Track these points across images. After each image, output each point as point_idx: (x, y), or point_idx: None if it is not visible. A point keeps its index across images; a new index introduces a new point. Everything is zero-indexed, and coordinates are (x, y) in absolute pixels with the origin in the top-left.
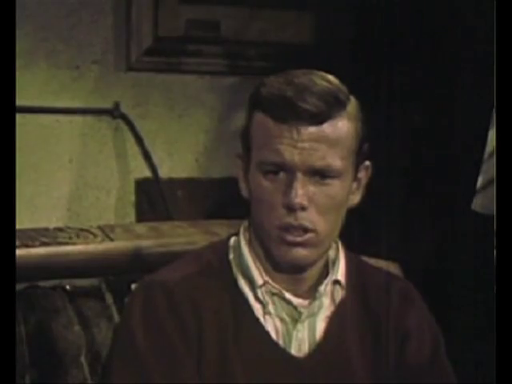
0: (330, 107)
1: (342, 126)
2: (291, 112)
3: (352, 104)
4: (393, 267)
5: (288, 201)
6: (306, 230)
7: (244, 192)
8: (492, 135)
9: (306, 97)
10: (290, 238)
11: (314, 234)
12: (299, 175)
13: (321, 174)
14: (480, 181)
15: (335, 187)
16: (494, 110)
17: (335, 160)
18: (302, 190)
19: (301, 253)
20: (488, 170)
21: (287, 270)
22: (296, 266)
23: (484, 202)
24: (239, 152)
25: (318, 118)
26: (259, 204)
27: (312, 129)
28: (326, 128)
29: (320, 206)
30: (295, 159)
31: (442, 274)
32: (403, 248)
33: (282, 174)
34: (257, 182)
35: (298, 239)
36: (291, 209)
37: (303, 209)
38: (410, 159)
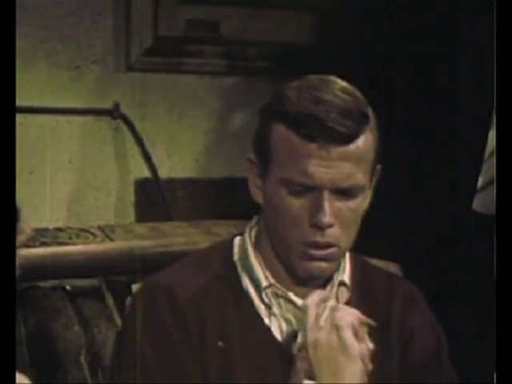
0: (359, 125)
1: (366, 140)
2: (321, 132)
3: (372, 114)
4: (393, 267)
5: (317, 221)
6: (330, 246)
7: (256, 197)
8: (492, 135)
9: (336, 117)
10: (314, 253)
11: (336, 248)
12: (326, 194)
13: (347, 192)
14: (480, 181)
15: (358, 200)
16: (494, 111)
17: (361, 176)
18: (329, 209)
19: (322, 266)
20: (488, 169)
21: (305, 282)
22: (316, 278)
23: (484, 201)
24: (250, 156)
25: (348, 138)
26: (281, 218)
27: (341, 148)
28: (354, 146)
29: (344, 221)
30: (324, 180)
31: (442, 274)
32: (403, 248)
33: (308, 193)
34: (280, 196)
35: (323, 254)
36: (319, 227)
37: (330, 226)
38: (411, 159)
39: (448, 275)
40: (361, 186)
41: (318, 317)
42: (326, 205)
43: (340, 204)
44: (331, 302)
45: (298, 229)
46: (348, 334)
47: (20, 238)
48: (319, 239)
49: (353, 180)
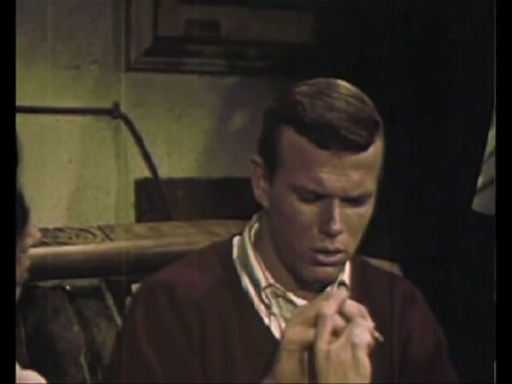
0: (371, 134)
1: (377, 148)
2: (335, 140)
3: (380, 120)
4: (393, 267)
5: (327, 228)
6: (338, 252)
7: (260, 199)
8: (492, 135)
9: (350, 125)
10: (323, 259)
11: (344, 254)
12: (337, 202)
13: (356, 199)
14: (480, 181)
15: (366, 207)
16: (494, 110)
17: (370, 184)
18: (339, 216)
19: (328, 271)
20: (488, 169)
21: (308, 285)
22: (321, 282)
23: (484, 201)
24: (254, 158)
25: (362, 147)
26: (289, 223)
27: (353, 157)
28: (366, 154)
29: (352, 227)
30: (335, 188)
31: (442, 274)
32: (404, 248)
33: (318, 200)
34: (288, 202)
35: (331, 260)
36: (329, 234)
37: (339, 233)
38: (410, 159)
39: (448, 275)
40: (369, 193)
41: (334, 328)
42: (337, 213)
43: (349, 211)
44: (349, 308)
45: (306, 235)
46: (363, 355)
47: (28, 241)
48: (329, 246)
49: (363, 188)
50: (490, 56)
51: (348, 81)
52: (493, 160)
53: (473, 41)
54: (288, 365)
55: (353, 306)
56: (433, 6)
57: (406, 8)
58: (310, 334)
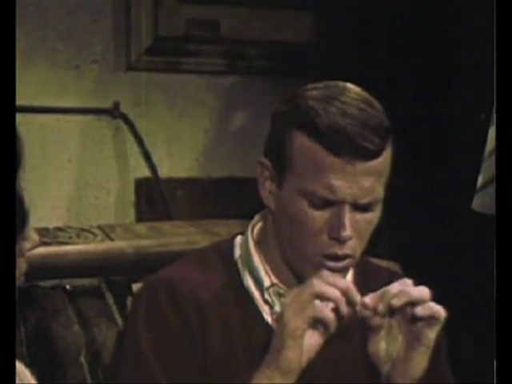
0: (385, 141)
1: (387, 154)
2: (349, 147)
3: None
4: (393, 267)
5: (337, 234)
6: (347, 257)
7: (267, 201)
8: (492, 134)
9: (364, 132)
10: (331, 265)
11: (352, 259)
12: (347, 208)
13: (366, 206)
14: (480, 180)
15: (374, 212)
16: (494, 110)
17: (380, 190)
18: (349, 222)
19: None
20: (488, 168)
21: None
22: None
23: (484, 201)
24: (262, 160)
25: (374, 154)
26: (298, 228)
27: (366, 164)
28: (377, 161)
29: (361, 232)
30: (346, 194)
31: (442, 274)
32: (404, 248)
33: (329, 206)
34: (298, 207)
35: (339, 266)
36: (338, 240)
37: (349, 239)
38: (411, 158)
39: (448, 275)
40: (379, 199)
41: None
42: (347, 219)
43: (359, 216)
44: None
45: (316, 240)
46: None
47: (26, 245)
48: (338, 251)
49: (373, 195)
50: (490, 56)
51: (348, 81)
52: (493, 159)
53: (473, 41)
54: (293, 353)
55: (342, 283)
56: (433, 6)
57: (405, 8)
58: (309, 312)
